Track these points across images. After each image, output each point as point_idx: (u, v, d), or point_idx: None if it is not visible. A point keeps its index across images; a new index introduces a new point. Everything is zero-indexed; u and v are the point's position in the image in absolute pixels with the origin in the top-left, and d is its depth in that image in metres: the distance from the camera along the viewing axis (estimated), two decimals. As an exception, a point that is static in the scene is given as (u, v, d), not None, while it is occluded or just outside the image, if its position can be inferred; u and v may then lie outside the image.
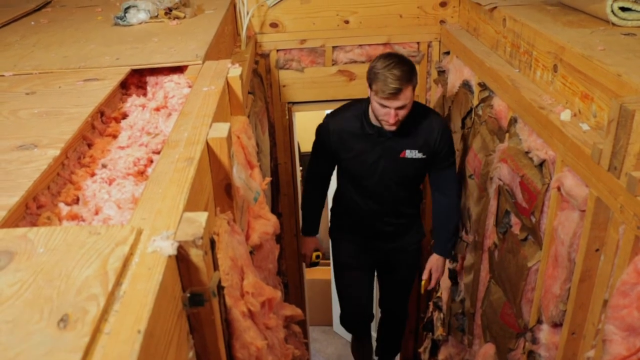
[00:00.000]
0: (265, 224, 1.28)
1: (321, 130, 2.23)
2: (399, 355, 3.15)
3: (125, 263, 0.58)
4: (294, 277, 3.16)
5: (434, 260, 2.36)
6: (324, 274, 4.22)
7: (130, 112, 1.17)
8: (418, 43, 2.60)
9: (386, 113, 1.95)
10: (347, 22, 2.55)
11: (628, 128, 1.11)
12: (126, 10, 1.77)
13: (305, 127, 3.72)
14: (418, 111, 2.08)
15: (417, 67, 2.58)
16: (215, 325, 0.73)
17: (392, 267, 2.55)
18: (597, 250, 1.33)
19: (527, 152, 1.64)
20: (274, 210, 2.64)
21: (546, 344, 1.62)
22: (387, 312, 2.79)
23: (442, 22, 2.55)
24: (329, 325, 4.49)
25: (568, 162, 1.40)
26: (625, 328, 1.14)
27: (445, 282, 2.55)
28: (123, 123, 1.12)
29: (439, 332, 2.72)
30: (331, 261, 2.92)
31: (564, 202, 1.46)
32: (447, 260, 2.43)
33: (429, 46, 2.61)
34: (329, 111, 2.30)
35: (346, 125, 2.14)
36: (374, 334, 3.12)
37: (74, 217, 0.79)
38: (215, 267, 0.76)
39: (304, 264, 2.90)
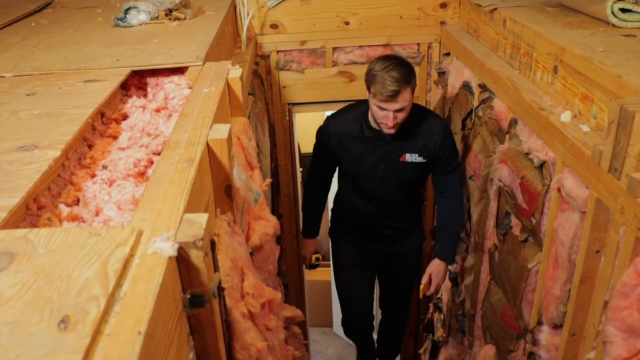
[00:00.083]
0: (266, 225, 1.28)
1: (322, 133, 2.22)
2: (399, 356, 3.14)
3: (126, 264, 0.58)
4: (294, 278, 3.16)
5: (435, 266, 2.30)
6: (324, 275, 4.21)
7: (130, 113, 1.17)
8: (418, 44, 2.60)
9: (384, 116, 1.92)
10: (347, 23, 2.55)
11: (628, 129, 1.11)
12: (126, 11, 1.77)
13: (306, 128, 3.73)
14: (418, 114, 2.06)
15: (417, 68, 2.59)
16: (216, 327, 0.72)
17: (392, 270, 2.53)
18: (597, 251, 1.33)
19: (527, 154, 1.64)
20: (274, 211, 2.64)
21: (546, 345, 1.62)
22: (387, 313, 2.78)
23: (442, 23, 2.55)
24: (329, 327, 4.49)
25: (568, 163, 1.40)
26: (625, 329, 1.14)
27: (446, 283, 2.54)
28: (123, 124, 1.12)
29: (439, 333, 2.72)
30: (331, 262, 2.92)
31: (564, 204, 1.46)
32: (448, 263, 2.41)
33: (429, 47, 2.61)
34: (329, 112, 2.30)
35: (346, 128, 2.13)
36: (374, 335, 3.11)
37: (75, 218, 0.79)
38: (216, 268, 0.76)
39: (304, 265, 2.90)
